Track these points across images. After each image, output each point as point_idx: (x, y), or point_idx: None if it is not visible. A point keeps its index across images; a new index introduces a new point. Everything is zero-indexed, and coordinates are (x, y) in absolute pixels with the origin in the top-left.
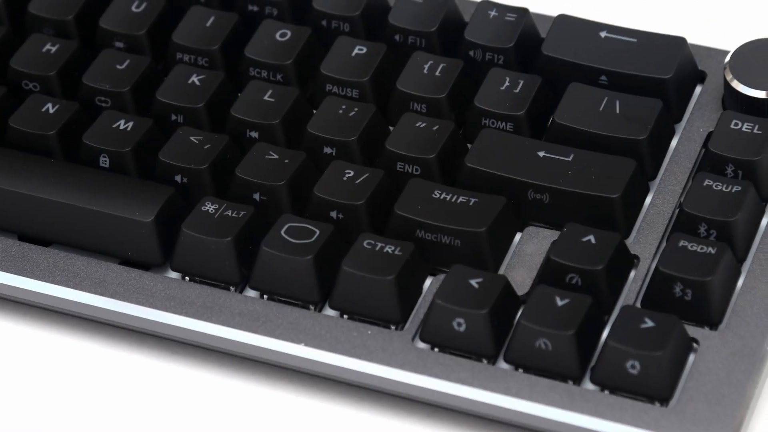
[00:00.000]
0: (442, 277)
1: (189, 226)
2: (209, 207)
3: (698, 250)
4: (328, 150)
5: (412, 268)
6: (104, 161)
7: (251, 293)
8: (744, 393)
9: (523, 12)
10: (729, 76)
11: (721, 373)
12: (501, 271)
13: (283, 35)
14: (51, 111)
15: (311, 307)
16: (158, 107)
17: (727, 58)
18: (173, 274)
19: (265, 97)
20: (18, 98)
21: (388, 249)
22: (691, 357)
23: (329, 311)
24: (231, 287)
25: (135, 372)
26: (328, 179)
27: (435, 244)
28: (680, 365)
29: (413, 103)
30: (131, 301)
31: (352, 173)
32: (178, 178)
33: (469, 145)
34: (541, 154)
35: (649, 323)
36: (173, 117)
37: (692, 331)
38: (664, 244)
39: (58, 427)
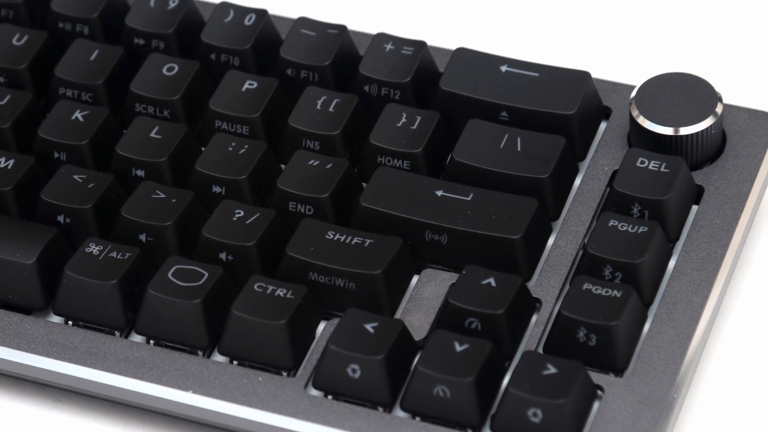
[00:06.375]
0: (336, 321)
1: (72, 269)
2: (93, 248)
3: (603, 293)
4: (217, 189)
5: (304, 312)
6: None
7: (137, 338)
8: None
9: (420, 45)
10: (635, 112)
11: (627, 422)
12: (397, 315)
13: (170, 69)
14: None
15: (200, 352)
16: (40, 144)
17: (633, 94)
18: (56, 319)
19: (152, 134)
20: None
21: (280, 292)
22: (596, 405)
23: (218, 357)
24: (116, 332)
25: (16, 421)
26: (217, 219)
27: (328, 287)
28: (584, 413)
29: (306, 140)
30: (12, 347)
31: (242, 213)
32: (60, 218)
33: (364, 184)
34: (439, 193)
35: (552, 370)
36: (56, 154)
37: (597, 377)
38: (567, 287)
39: None
